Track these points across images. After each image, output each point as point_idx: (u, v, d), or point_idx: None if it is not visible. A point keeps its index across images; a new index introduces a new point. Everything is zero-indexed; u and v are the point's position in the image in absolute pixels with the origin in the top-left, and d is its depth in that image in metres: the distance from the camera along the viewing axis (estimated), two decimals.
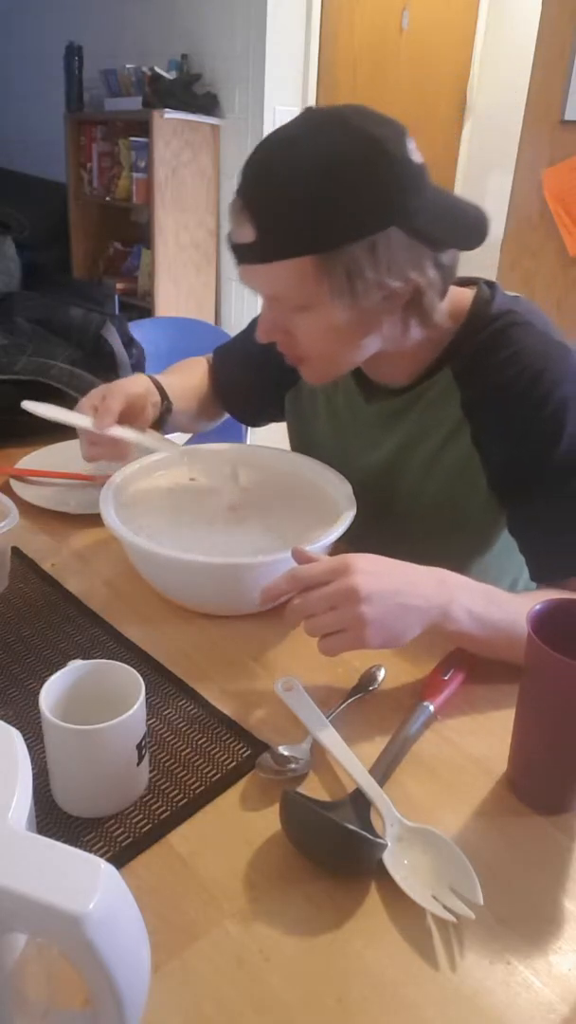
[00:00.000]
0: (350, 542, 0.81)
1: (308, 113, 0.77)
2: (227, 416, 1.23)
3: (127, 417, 0.92)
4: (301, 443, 1.10)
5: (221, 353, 1.18)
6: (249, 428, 2.18)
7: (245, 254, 0.78)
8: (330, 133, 0.73)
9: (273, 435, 1.23)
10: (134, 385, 0.95)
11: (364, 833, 0.55)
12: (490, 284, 0.90)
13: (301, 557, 0.70)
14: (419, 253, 0.76)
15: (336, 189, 0.72)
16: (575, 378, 0.81)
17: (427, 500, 0.93)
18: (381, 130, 0.73)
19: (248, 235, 0.76)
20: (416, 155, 0.75)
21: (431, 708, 0.69)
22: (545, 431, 0.81)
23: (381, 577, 0.66)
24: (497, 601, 0.73)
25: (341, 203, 0.72)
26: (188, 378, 1.11)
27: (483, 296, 0.88)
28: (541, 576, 0.87)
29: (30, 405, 0.91)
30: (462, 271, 0.85)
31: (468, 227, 0.80)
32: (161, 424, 1.02)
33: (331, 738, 0.65)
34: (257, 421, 1.24)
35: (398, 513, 0.93)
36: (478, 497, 0.89)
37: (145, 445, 0.93)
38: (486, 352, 0.84)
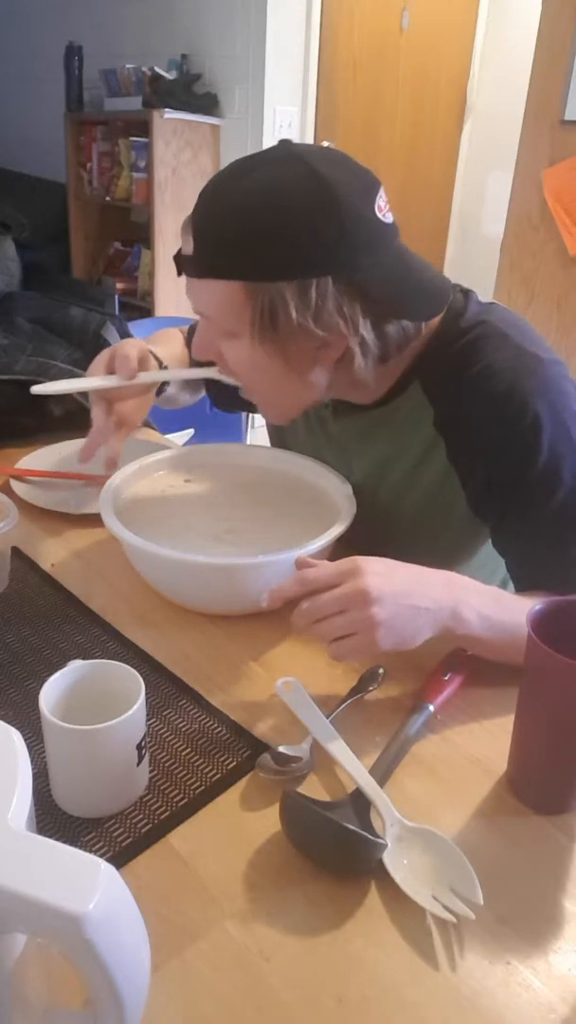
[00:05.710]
0: (331, 557, 0.80)
1: (279, 145, 0.76)
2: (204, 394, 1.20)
3: (141, 369, 0.91)
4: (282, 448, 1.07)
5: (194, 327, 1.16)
6: (249, 428, 2.18)
7: (183, 265, 0.79)
8: (284, 168, 0.73)
9: None
10: (135, 340, 0.94)
11: (364, 833, 0.55)
12: (465, 292, 0.87)
13: (304, 565, 0.69)
14: (355, 310, 0.75)
15: (271, 222, 0.71)
16: (549, 391, 0.78)
17: (406, 518, 0.91)
18: (340, 176, 0.72)
19: (189, 248, 0.78)
20: (385, 214, 0.75)
21: (431, 708, 0.69)
22: (521, 448, 0.78)
23: (391, 578, 0.66)
24: (505, 603, 0.72)
25: (273, 237, 0.72)
26: (171, 347, 1.09)
27: (455, 307, 0.84)
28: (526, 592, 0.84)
29: (40, 388, 0.91)
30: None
31: (422, 302, 0.79)
32: (157, 394, 1.02)
33: (331, 738, 0.65)
34: (231, 407, 1.20)
35: (376, 530, 0.89)
36: (458, 514, 0.87)
37: (178, 377, 0.96)
38: (457, 368, 0.81)
